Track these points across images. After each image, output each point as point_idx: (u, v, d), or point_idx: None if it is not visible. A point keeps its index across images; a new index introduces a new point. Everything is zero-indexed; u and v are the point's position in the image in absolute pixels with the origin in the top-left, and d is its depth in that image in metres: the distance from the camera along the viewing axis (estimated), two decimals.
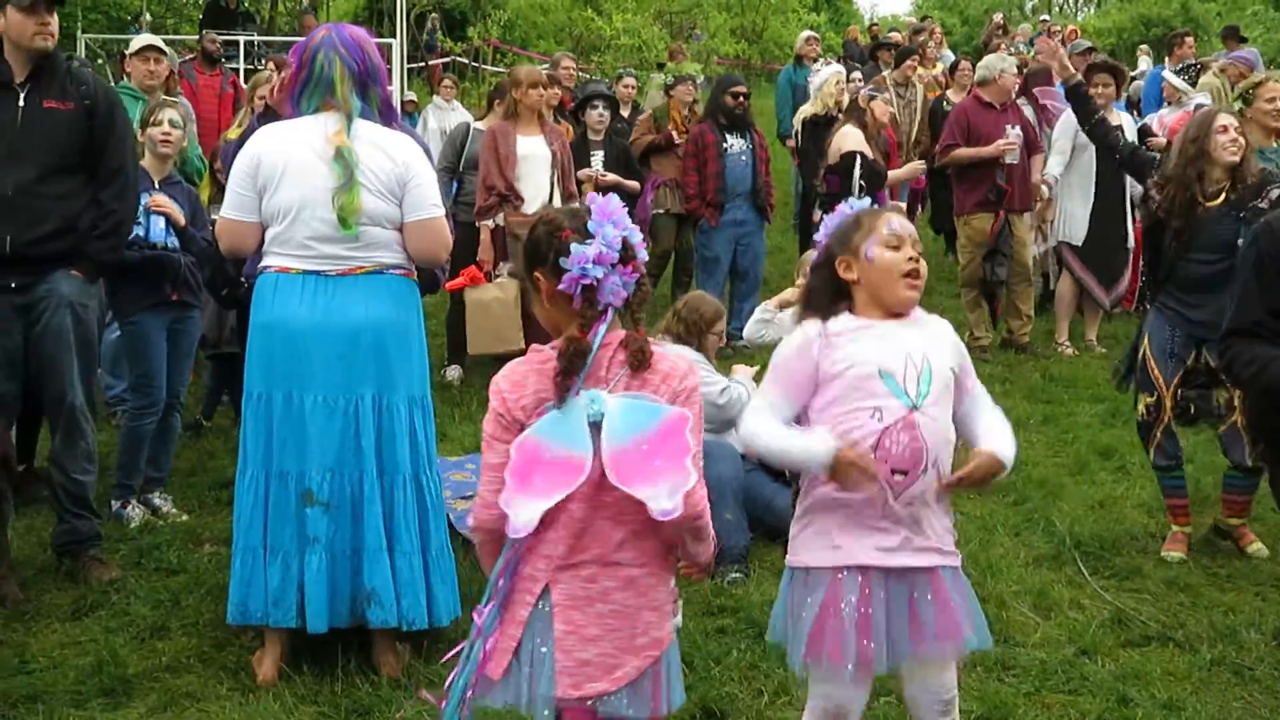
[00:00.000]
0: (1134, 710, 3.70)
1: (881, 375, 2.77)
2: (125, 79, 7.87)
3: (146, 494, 5.50)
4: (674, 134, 8.87)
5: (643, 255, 2.51)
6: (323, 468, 3.86)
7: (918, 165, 7.55)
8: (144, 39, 7.60)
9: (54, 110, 4.56)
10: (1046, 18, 23.60)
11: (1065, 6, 42.84)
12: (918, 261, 2.84)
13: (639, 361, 2.45)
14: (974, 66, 10.74)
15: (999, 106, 8.12)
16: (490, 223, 7.06)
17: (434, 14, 21.67)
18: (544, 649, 2.42)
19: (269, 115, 4.56)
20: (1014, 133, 7.93)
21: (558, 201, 7.12)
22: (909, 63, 10.66)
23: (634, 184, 8.27)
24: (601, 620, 2.42)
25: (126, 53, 8.47)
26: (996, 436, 2.91)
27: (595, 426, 2.40)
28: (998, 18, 18.99)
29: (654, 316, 8.87)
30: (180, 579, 4.69)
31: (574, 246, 2.43)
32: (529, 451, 2.42)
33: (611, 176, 8.01)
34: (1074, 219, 8.21)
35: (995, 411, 3.01)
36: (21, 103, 4.53)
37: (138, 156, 5.03)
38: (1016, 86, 8.47)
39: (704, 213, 8.40)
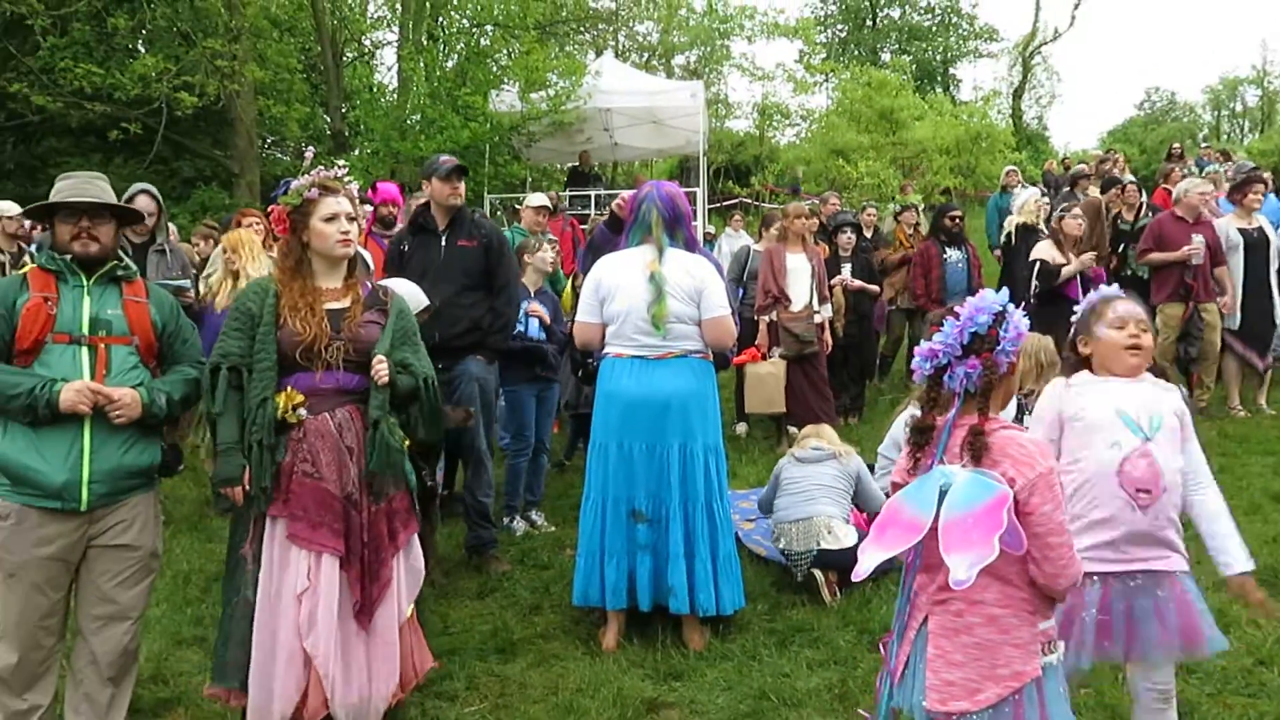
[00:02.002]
0: None
1: (1120, 415, 2.68)
2: (517, 223, 8.39)
3: (527, 512, 5.64)
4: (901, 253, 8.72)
5: (1004, 350, 2.20)
6: (647, 494, 3.93)
7: (1086, 258, 7.00)
8: (540, 199, 8.06)
9: (464, 247, 4.79)
10: (1207, 144, 21.55)
11: (1231, 134, 39.11)
12: (1139, 337, 2.74)
13: (975, 453, 2.15)
14: (1140, 189, 10.00)
15: (1190, 220, 7.46)
16: (767, 318, 7.07)
17: (784, 173, 21.88)
18: (920, 665, 2.25)
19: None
20: (1197, 239, 7.29)
21: (815, 303, 7.09)
22: (1113, 191, 10.00)
23: (875, 288, 8.11)
24: (965, 650, 2.19)
25: (520, 206, 9.01)
26: (1228, 548, 2.71)
27: (943, 494, 2.16)
28: (1175, 147, 17.54)
29: (893, 388, 8.73)
30: (550, 573, 4.81)
31: (921, 341, 2.28)
32: (892, 510, 2.26)
33: (858, 283, 7.89)
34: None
35: (1212, 493, 2.76)
36: (443, 243, 4.80)
37: (518, 276, 5.21)
38: (1204, 203, 7.81)
39: (929, 308, 8.12)
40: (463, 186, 4.83)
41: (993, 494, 2.11)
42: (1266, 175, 8.38)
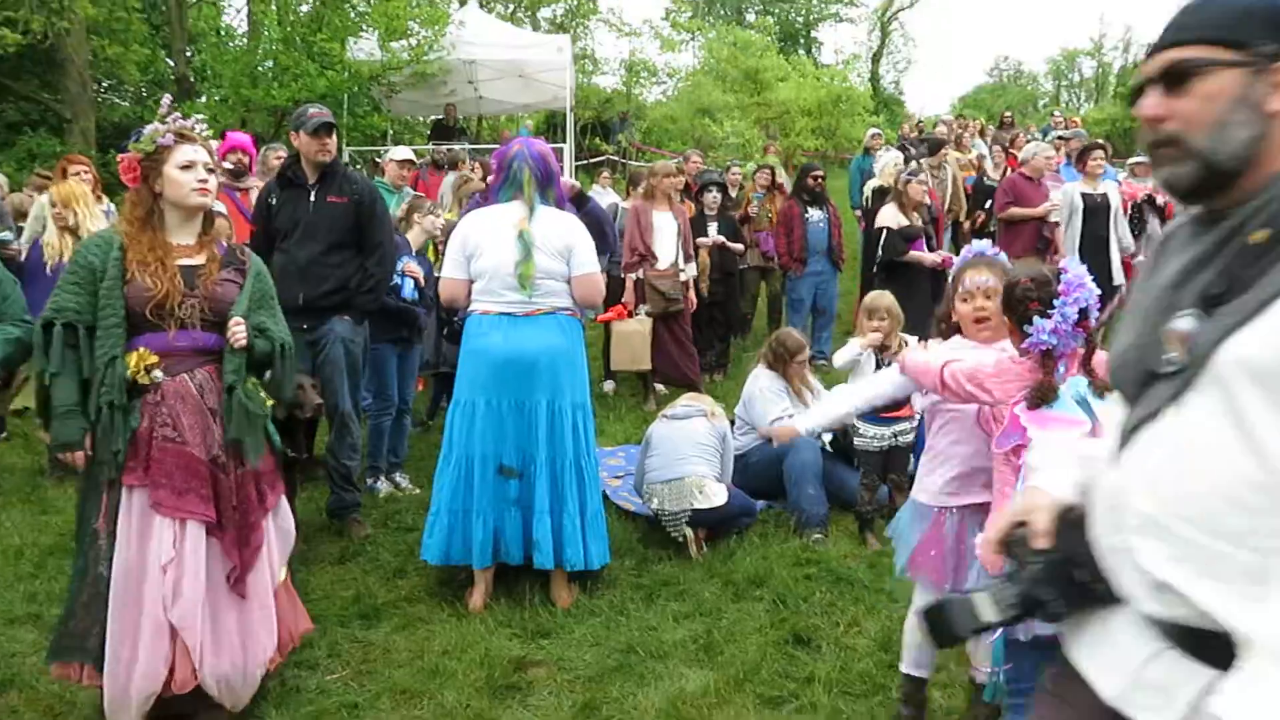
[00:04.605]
0: None
1: None
2: (379, 176, 8.11)
3: (390, 474, 5.54)
4: (750, 210, 8.81)
5: (1096, 318, 2.44)
6: (515, 450, 3.90)
7: (931, 259, 7.34)
8: (404, 152, 7.81)
9: (334, 203, 4.63)
10: (1057, 112, 22.71)
11: (1070, 102, 41.32)
12: (985, 309, 2.86)
13: (1098, 391, 2.37)
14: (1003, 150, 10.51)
15: (1037, 180, 8.14)
16: (634, 275, 7.06)
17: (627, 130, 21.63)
18: None
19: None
20: (1056, 195, 7.90)
21: (681, 261, 7.13)
22: (942, 151, 10.40)
23: (739, 246, 8.22)
24: None
25: (380, 160, 8.71)
26: None
27: (1081, 402, 2.35)
28: (1006, 115, 18.48)
29: (756, 345, 8.90)
30: (414, 535, 4.67)
31: (1036, 319, 2.43)
32: (1042, 415, 2.41)
33: (722, 240, 7.97)
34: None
35: None
36: (312, 198, 4.63)
37: (393, 233, 5.06)
38: (1049, 165, 8.53)
39: (792, 266, 8.32)
40: (333, 142, 4.67)
41: None
42: (1104, 144, 8.91)
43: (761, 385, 5.16)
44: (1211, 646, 1.20)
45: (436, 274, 5.52)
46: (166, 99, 3.16)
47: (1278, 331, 1.15)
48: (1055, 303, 2.41)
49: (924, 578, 2.91)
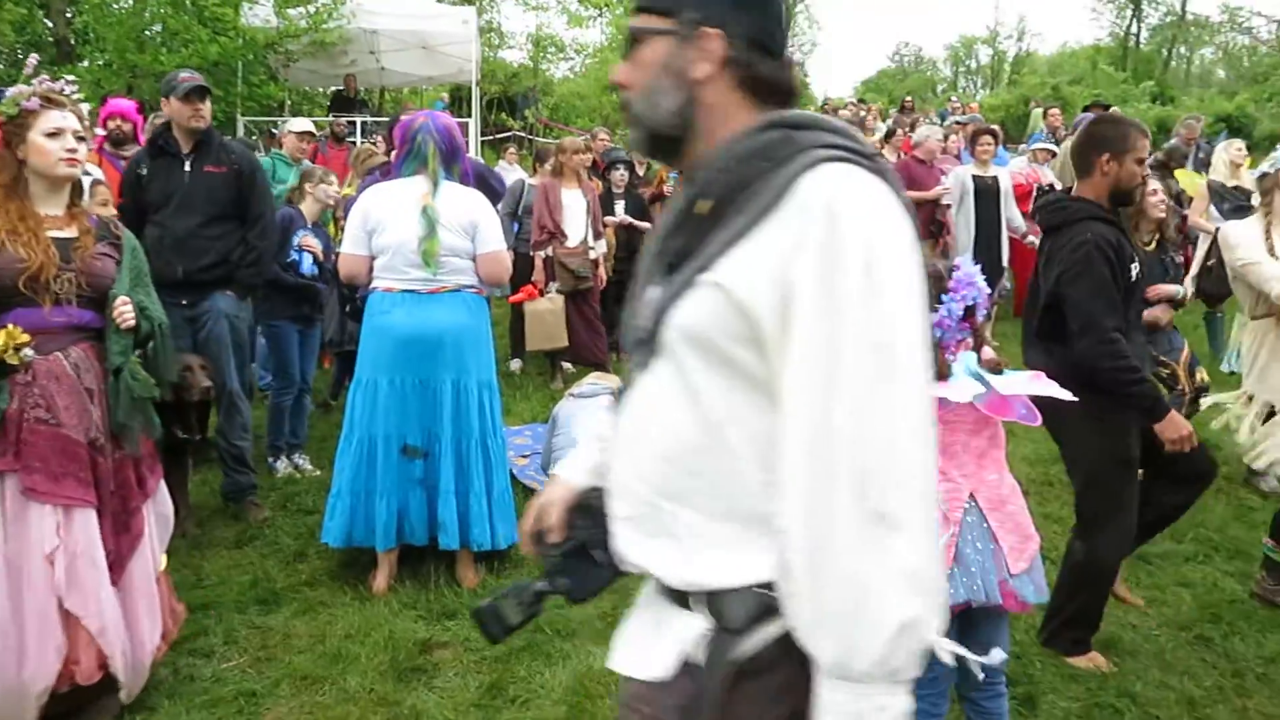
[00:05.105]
0: None
1: None
2: (277, 149, 7.86)
3: (290, 455, 5.41)
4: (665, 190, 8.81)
5: (981, 314, 2.50)
6: (419, 429, 3.84)
7: None
8: (304, 124, 7.61)
9: (211, 173, 4.48)
10: (954, 97, 23.36)
11: (967, 89, 42.58)
12: None
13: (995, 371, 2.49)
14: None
15: (928, 163, 8.36)
16: (543, 253, 7.00)
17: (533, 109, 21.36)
18: (980, 544, 2.38)
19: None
20: (947, 179, 8.07)
21: (591, 238, 7.10)
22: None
23: (646, 225, 8.20)
24: (1013, 517, 2.43)
25: (278, 131, 8.44)
26: None
27: (975, 375, 2.42)
28: (907, 100, 18.94)
29: None
30: (315, 518, 4.60)
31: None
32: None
33: (629, 219, 7.95)
34: (960, 245, 8.24)
35: None
36: (187, 168, 4.46)
37: (274, 205, 4.91)
38: (940, 149, 8.79)
39: None
40: (206, 108, 4.47)
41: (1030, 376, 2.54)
42: (995, 128, 9.17)
43: None
44: (681, 595, 1.26)
45: (337, 249, 5.39)
46: (33, 59, 2.99)
47: (706, 299, 1.18)
48: (943, 298, 2.48)
49: None
